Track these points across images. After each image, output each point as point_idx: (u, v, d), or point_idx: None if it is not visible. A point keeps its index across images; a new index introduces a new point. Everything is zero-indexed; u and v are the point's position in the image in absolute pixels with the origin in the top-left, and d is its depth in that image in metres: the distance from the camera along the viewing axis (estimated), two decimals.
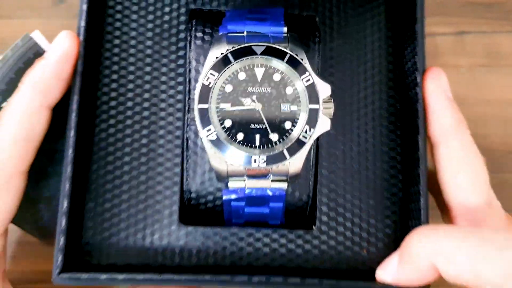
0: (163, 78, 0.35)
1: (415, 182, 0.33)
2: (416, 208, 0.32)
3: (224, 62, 0.31)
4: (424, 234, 0.29)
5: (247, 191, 0.32)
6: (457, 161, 0.32)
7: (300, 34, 0.34)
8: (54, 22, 0.46)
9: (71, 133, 0.32)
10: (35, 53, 0.34)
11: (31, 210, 0.36)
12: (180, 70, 0.35)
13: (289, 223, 0.34)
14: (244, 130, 0.31)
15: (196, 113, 0.31)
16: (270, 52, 0.31)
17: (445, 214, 0.33)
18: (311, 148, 0.33)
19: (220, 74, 0.31)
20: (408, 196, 0.34)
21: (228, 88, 0.31)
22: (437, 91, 0.33)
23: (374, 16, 0.36)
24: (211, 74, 0.31)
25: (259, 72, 0.31)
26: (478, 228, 0.31)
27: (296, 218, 0.34)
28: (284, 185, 0.32)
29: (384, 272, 0.31)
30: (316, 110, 0.31)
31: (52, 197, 0.37)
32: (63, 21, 0.45)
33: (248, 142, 0.31)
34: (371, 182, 0.35)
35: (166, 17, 0.35)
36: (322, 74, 0.35)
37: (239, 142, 0.31)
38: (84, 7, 0.33)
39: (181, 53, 0.35)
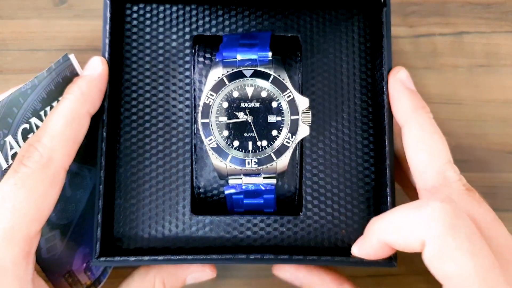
0: (173, 95, 0.42)
1: (384, 174, 0.40)
2: (386, 194, 0.39)
3: (220, 84, 0.38)
4: (375, 218, 0.36)
5: (244, 187, 0.39)
6: (416, 141, 0.37)
7: (282, 56, 0.41)
8: (55, 23, 0.48)
9: (102, 145, 0.39)
10: (70, 72, 0.39)
11: (46, 235, 0.39)
12: (187, 88, 0.42)
13: (280, 210, 0.41)
14: (239, 138, 0.38)
15: (199, 126, 0.38)
16: (258, 74, 0.38)
17: (414, 192, 0.39)
18: (296, 148, 0.41)
19: (218, 94, 0.38)
20: (379, 185, 0.41)
21: (225, 104, 0.38)
22: (396, 83, 0.39)
23: (348, 33, 0.43)
24: (210, 94, 0.38)
25: (250, 91, 0.38)
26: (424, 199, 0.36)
27: (286, 206, 0.42)
28: (273, 181, 0.39)
29: (354, 248, 0.38)
30: (296, 120, 0.38)
31: (69, 224, 0.40)
32: (64, 22, 0.48)
33: (242, 148, 0.38)
34: (348, 174, 0.42)
35: (174, 43, 0.42)
36: (305, 85, 0.42)
37: (235, 148, 0.38)
38: (107, 40, 0.40)
39: (187, 73, 0.42)
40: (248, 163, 0.38)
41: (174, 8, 0.43)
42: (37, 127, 0.39)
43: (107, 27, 0.40)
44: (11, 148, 0.38)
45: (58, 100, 0.39)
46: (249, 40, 0.40)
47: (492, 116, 0.47)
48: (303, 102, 0.38)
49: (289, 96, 0.38)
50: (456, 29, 0.48)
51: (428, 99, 0.46)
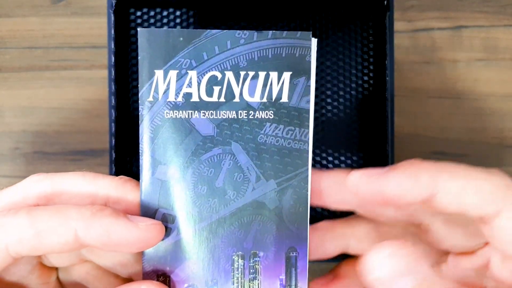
0: None
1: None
2: None
3: None
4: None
5: None
6: None
7: None
8: (53, 21, 0.48)
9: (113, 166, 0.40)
10: None
11: None
12: None
13: None
14: None
15: None
16: None
17: None
18: None
19: None
20: None
21: None
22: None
23: (351, 35, 0.43)
24: None
25: None
26: None
27: None
28: None
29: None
30: None
31: None
32: (62, 19, 0.48)
33: None
34: None
35: None
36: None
37: None
38: (112, 46, 0.40)
39: None
40: None
41: (178, 13, 0.43)
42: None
43: (112, 32, 0.40)
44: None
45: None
46: None
47: (491, 110, 0.48)
48: None
49: None
50: (454, 23, 0.48)
51: (427, 93, 0.48)
